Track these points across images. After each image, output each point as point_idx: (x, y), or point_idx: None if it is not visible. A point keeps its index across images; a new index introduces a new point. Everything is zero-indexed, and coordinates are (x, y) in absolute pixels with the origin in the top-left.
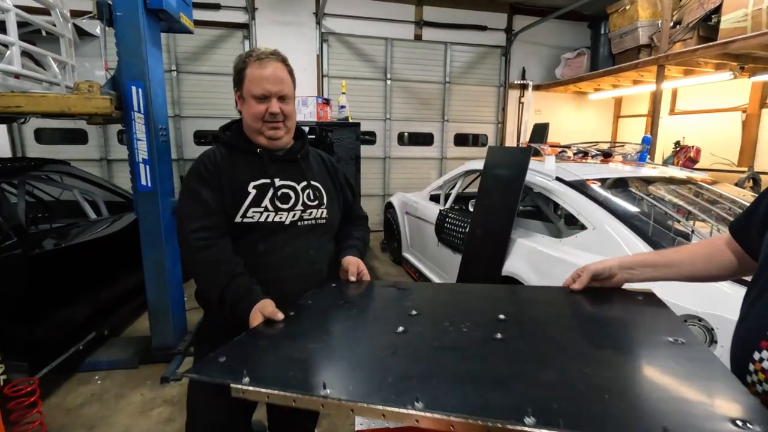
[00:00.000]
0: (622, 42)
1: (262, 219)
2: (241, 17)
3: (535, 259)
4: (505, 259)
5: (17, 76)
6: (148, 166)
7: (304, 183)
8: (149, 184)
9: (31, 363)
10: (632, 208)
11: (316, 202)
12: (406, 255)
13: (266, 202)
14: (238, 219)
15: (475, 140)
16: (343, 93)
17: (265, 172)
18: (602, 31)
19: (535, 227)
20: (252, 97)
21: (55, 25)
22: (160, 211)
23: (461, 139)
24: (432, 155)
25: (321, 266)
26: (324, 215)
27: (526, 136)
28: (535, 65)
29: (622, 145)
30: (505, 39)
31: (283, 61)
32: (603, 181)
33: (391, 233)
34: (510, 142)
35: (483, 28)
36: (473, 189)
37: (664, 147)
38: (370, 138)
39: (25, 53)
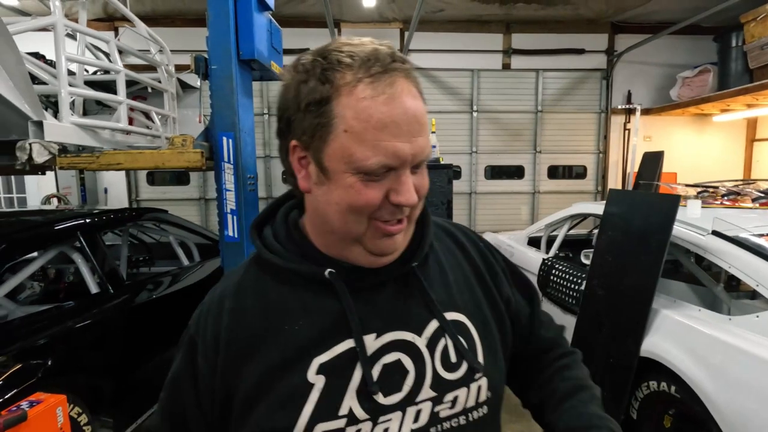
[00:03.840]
0: (763, 54)
1: None
2: None
3: (694, 341)
4: (644, 335)
5: (128, 131)
6: (235, 217)
7: (435, 326)
8: (236, 235)
9: (116, 419)
10: None
11: (463, 368)
12: None
13: (348, 400)
14: None
15: (571, 172)
16: (433, 132)
17: (343, 322)
18: (733, 44)
19: (678, 291)
20: (354, 170)
21: (160, 82)
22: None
23: (555, 171)
24: (523, 189)
25: None
26: (485, 396)
27: (634, 167)
28: (642, 87)
29: None
30: (606, 61)
31: (409, 73)
32: None
33: None
34: (614, 172)
35: (580, 52)
36: (578, 230)
37: None
38: (455, 171)
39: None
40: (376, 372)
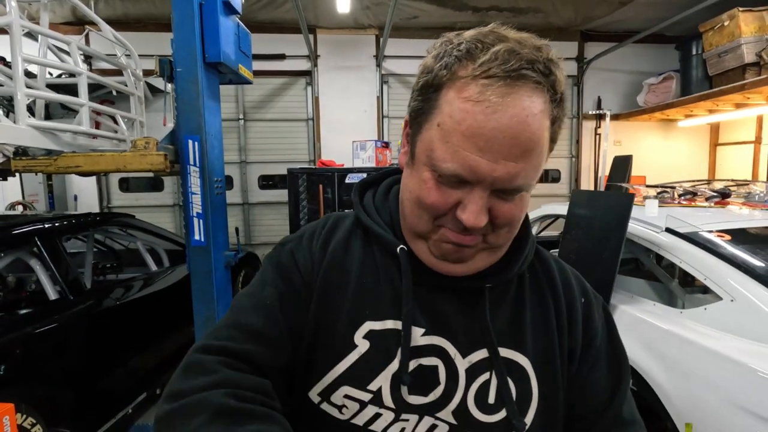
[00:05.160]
0: (721, 62)
1: (359, 419)
2: (304, 65)
3: (648, 335)
4: None
5: (95, 136)
6: (201, 221)
7: (482, 356)
8: (202, 239)
9: (74, 430)
10: None
11: (498, 416)
12: None
13: (381, 380)
14: (311, 395)
15: (546, 176)
16: None
17: (399, 303)
18: (694, 52)
19: (637, 288)
20: (431, 167)
21: (126, 85)
22: (212, 267)
23: None
24: None
25: None
26: None
27: (605, 170)
28: (611, 93)
29: (746, 184)
30: (577, 68)
31: (543, 87)
32: (735, 233)
33: None
34: (586, 176)
35: None
36: (550, 231)
37: None
38: None
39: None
40: (412, 366)
